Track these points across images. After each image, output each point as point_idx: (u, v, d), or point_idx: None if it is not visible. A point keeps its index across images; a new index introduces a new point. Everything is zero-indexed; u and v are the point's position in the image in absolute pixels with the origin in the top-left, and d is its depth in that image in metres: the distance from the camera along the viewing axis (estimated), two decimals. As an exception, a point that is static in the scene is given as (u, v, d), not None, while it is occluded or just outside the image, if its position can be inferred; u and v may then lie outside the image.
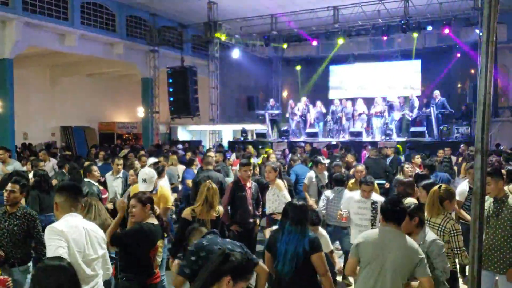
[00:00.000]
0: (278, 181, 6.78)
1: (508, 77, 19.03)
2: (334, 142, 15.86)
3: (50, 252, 3.01)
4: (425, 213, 4.36)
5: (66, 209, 3.26)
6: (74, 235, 3.15)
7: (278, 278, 3.86)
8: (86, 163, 7.65)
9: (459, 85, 19.65)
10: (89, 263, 3.27)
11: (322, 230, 5.28)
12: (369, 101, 17.77)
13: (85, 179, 6.58)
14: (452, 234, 4.16)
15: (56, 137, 21.11)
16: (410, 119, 16.57)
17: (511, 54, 16.66)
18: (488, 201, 4.54)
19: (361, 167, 7.39)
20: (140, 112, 20.33)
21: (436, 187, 4.45)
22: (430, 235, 3.88)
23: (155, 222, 4.13)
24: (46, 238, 3.12)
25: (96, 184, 6.65)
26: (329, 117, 18.25)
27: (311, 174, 8.24)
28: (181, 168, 9.87)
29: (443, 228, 4.22)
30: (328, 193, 6.80)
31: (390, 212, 3.62)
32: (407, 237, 3.61)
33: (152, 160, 8.36)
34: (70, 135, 21.35)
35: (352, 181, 7.47)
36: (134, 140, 23.50)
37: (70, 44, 15.86)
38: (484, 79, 1.98)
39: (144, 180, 5.47)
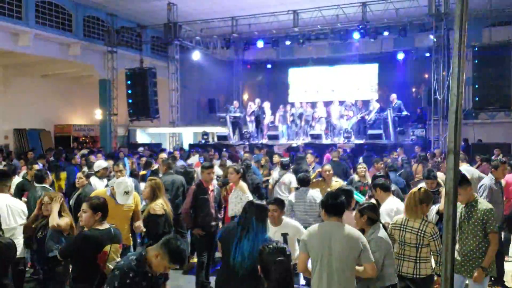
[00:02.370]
0: (241, 183, 6.68)
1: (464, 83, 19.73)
2: (294, 145, 15.94)
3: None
4: (404, 215, 4.42)
5: None
6: None
7: (231, 272, 3.92)
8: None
9: (414, 89, 20.24)
10: (10, 230, 4.88)
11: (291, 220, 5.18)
12: (327, 104, 17.99)
13: (40, 185, 6.32)
14: (434, 238, 4.19)
15: (9, 140, 20.19)
16: (369, 122, 16.85)
17: (466, 60, 17.29)
18: (460, 206, 4.58)
19: (328, 166, 7.39)
20: (98, 114, 19.78)
21: (416, 189, 4.52)
22: (380, 233, 3.99)
23: (104, 227, 4.02)
24: None
25: (50, 188, 6.55)
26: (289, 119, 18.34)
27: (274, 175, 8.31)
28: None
29: (422, 232, 4.22)
30: (291, 197, 6.66)
31: (331, 206, 3.82)
32: (348, 226, 3.81)
33: (101, 163, 7.87)
34: (24, 138, 20.47)
35: (319, 178, 7.47)
36: (91, 143, 22.80)
37: (24, 44, 15.24)
38: (456, 79, 1.97)
39: (127, 193, 5.25)
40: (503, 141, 15.17)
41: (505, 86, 13.39)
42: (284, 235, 4.76)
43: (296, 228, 4.92)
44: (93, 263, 3.87)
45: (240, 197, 6.51)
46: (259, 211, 4.01)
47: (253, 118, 18.46)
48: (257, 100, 18.83)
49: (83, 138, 23.22)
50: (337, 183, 7.04)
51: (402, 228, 4.34)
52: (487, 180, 6.30)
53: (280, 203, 4.88)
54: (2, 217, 4.74)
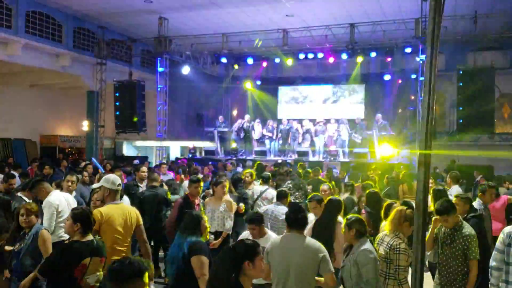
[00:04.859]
0: (229, 198, 6.65)
1: (445, 104, 20.07)
2: (280, 161, 15.98)
3: None
4: (386, 228, 4.49)
5: None
6: None
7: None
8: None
9: (400, 110, 20.48)
10: None
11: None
12: (312, 121, 18.11)
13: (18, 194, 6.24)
14: (395, 252, 4.19)
15: (-7, 149, 19.92)
16: (359, 141, 16.89)
17: (448, 82, 17.59)
18: (443, 228, 4.59)
19: (325, 186, 7.28)
20: (85, 125, 19.64)
21: (404, 207, 4.58)
22: (366, 246, 4.03)
23: (86, 239, 3.94)
24: None
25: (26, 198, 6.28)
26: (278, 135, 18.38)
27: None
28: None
29: (389, 245, 4.27)
30: (270, 207, 6.61)
31: (293, 219, 4.07)
32: (308, 238, 4.06)
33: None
34: (9, 147, 20.22)
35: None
36: (77, 154, 22.59)
37: (13, 53, 15.15)
38: (428, 93, 2.02)
39: None
40: (485, 163, 15.38)
41: (488, 110, 13.63)
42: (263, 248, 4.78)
43: None
44: (70, 276, 3.78)
45: (226, 214, 6.48)
46: (186, 220, 4.25)
47: (242, 134, 18.47)
48: (247, 116, 18.90)
49: (69, 149, 22.98)
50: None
51: (379, 243, 4.42)
52: (477, 205, 6.13)
53: (255, 221, 4.86)
54: None
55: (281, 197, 6.63)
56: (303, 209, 4.30)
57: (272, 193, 8.21)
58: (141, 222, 4.99)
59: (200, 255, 4.00)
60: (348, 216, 4.42)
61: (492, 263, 4.34)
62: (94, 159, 11.52)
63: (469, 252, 4.35)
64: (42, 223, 5.15)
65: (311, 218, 5.70)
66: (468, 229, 4.48)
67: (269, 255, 3.98)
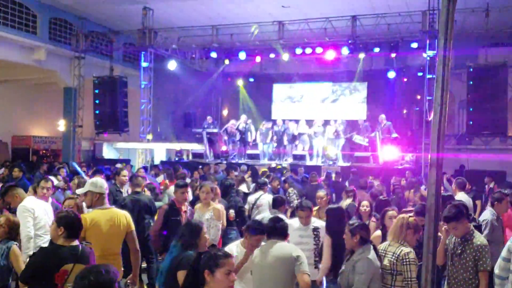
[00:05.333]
0: (218, 206, 6.55)
1: (454, 105, 20.18)
2: (273, 165, 15.96)
3: None
4: (388, 238, 4.51)
5: None
6: None
7: None
8: None
9: (405, 110, 20.56)
10: None
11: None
12: (310, 122, 18.12)
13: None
14: (404, 263, 4.21)
15: (-40, 151, 19.78)
16: (366, 143, 16.83)
17: (457, 81, 17.69)
18: (454, 237, 4.60)
19: (322, 193, 7.17)
20: (61, 125, 19.54)
21: (405, 214, 4.67)
22: (369, 255, 4.15)
23: (71, 244, 3.93)
24: None
25: None
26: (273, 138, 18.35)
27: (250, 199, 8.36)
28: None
29: (396, 256, 4.27)
30: (263, 214, 6.73)
31: (272, 228, 4.39)
32: (284, 243, 4.37)
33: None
34: (-24, 149, 20.08)
35: (315, 208, 6.95)
36: (52, 157, 22.46)
37: (-19, 46, 15.08)
38: (440, 89, 2.02)
39: None
40: (497, 169, 15.46)
41: (500, 110, 13.71)
42: None
43: None
44: (50, 283, 3.77)
45: (212, 222, 6.41)
46: (183, 231, 4.24)
47: (236, 136, 18.39)
48: (243, 116, 18.82)
49: (44, 151, 22.85)
50: None
51: (382, 253, 4.40)
52: (489, 214, 6.07)
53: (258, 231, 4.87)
54: None
55: (277, 204, 6.61)
56: (282, 218, 4.62)
57: (267, 198, 8.20)
58: (133, 228, 5.05)
59: (186, 270, 3.97)
60: (351, 222, 4.53)
61: (496, 270, 4.39)
62: (74, 164, 11.44)
63: (479, 263, 4.35)
64: None
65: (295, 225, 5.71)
66: (480, 238, 4.48)
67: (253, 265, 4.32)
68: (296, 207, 6.05)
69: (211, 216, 6.43)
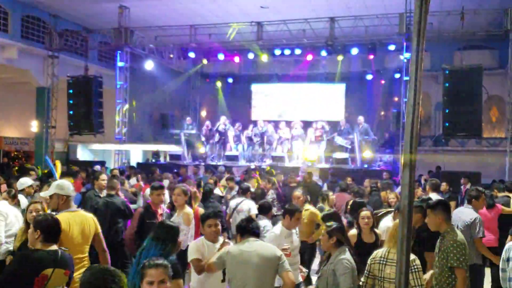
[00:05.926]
0: (187, 210, 6.33)
1: (430, 107, 20.49)
2: (253, 167, 15.99)
3: None
4: (386, 246, 4.40)
5: None
6: None
7: None
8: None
9: (382, 113, 20.80)
10: None
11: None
12: (289, 124, 18.18)
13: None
14: (412, 271, 4.09)
15: None
16: (348, 146, 16.88)
17: (434, 83, 17.99)
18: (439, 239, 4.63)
19: (298, 193, 7.22)
20: (34, 126, 19.21)
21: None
22: (345, 255, 4.24)
23: (50, 248, 3.89)
24: None
25: None
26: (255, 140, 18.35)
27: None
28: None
29: None
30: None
31: (246, 228, 4.40)
32: (263, 242, 4.45)
33: (27, 181, 7.52)
34: None
35: None
36: (24, 158, 22.07)
37: (-51, 43, 14.74)
38: (413, 89, 2.03)
39: None
40: (473, 170, 15.74)
41: (475, 112, 13.95)
42: None
43: None
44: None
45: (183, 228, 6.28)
46: (159, 230, 4.22)
47: (215, 137, 18.33)
48: (223, 118, 18.79)
49: (16, 153, 22.46)
50: (307, 211, 6.98)
51: (382, 262, 4.27)
52: (474, 212, 6.14)
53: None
54: None
55: (265, 210, 6.57)
56: (253, 219, 4.77)
57: (248, 204, 8.15)
58: (100, 230, 5.04)
59: (178, 279, 3.97)
60: (329, 224, 4.57)
61: (500, 263, 4.52)
62: (48, 159, 11.20)
63: (448, 258, 4.30)
64: None
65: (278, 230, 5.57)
66: (452, 235, 4.43)
67: (226, 261, 4.28)
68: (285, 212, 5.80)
69: (179, 220, 6.31)
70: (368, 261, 4.39)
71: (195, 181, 11.07)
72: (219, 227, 4.87)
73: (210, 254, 4.58)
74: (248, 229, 4.40)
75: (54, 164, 9.55)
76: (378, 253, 4.38)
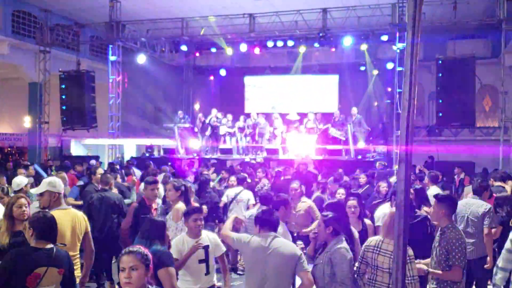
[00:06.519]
0: (179, 206, 6.09)
1: (423, 97, 20.50)
2: (247, 159, 15.96)
3: None
4: (381, 236, 4.42)
5: None
6: None
7: None
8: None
9: (376, 103, 20.79)
10: None
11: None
12: (284, 116, 18.14)
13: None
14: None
15: None
16: (343, 138, 16.87)
17: (427, 73, 17.97)
18: (438, 233, 4.62)
19: (295, 184, 7.14)
20: (27, 122, 19.10)
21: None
22: (342, 244, 4.21)
23: (44, 246, 3.85)
24: None
25: None
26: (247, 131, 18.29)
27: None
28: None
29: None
30: (251, 211, 6.74)
31: (266, 221, 4.26)
32: (282, 239, 4.28)
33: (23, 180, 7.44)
34: None
35: None
36: (17, 154, 21.96)
37: None
38: (408, 83, 2.01)
39: None
40: (466, 159, 15.81)
41: (469, 102, 13.98)
42: (205, 248, 4.83)
43: (215, 241, 5.02)
44: (22, 286, 3.70)
45: (168, 223, 6.18)
46: (145, 227, 4.23)
47: (207, 131, 18.26)
48: (214, 111, 18.71)
49: (9, 149, 22.37)
50: (304, 203, 6.96)
51: (375, 251, 4.30)
52: (486, 203, 6.03)
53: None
54: None
55: (266, 200, 6.53)
56: (274, 211, 4.47)
57: (247, 194, 8.17)
58: (89, 229, 5.01)
59: (168, 267, 4.02)
60: (325, 213, 4.52)
61: (499, 263, 4.47)
62: (36, 166, 11.14)
63: (450, 256, 4.34)
64: None
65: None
66: (454, 232, 4.43)
67: (243, 247, 4.23)
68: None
69: (169, 217, 6.23)
70: (362, 247, 4.46)
71: (195, 173, 11.09)
72: (202, 222, 4.89)
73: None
74: (268, 222, 4.28)
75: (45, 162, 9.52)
76: (372, 241, 4.41)
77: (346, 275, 4.09)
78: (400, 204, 2.01)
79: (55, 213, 4.59)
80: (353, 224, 5.58)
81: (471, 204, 6.09)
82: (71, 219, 4.76)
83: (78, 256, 4.88)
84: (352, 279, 4.22)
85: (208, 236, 4.92)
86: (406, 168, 2.00)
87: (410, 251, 4.21)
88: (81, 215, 4.94)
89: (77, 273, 4.77)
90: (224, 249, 5.15)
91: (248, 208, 7.98)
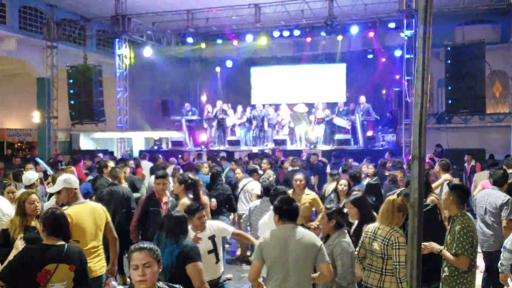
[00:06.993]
0: (183, 200, 6.08)
1: (433, 84, 20.29)
2: (255, 151, 15.95)
3: None
4: (377, 222, 4.48)
5: None
6: None
7: None
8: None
9: (384, 91, 20.61)
10: None
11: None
12: (292, 106, 18.08)
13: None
14: (394, 247, 4.21)
15: None
16: (348, 127, 16.80)
17: (435, 60, 17.75)
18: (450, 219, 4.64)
19: (300, 175, 6.99)
20: (36, 117, 19.20)
21: (395, 196, 4.72)
22: (345, 238, 4.31)
23: (56, 243, 3.88)
24: None
25: None
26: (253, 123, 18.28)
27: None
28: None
29: (386, 241, 4.26)
30: (255, 202, 6.79)
31: (286, 211, 4.13)
32: (303, 229, 4.18)
33: (33, 175, 7.40)
34: None
35: (290, 191, 6.72)
36: (28, 149, 22.12)
37: None
38: (421, 79, 1.96)
39: None
40: (477, 146, 15.65)
41: (478, 88, 13.81)
42: (212, 238, 4.85)
43: (219, 227, 5.07)
44: (32, 282, 3.73)
45: None
46: (169, 225, 4.18)
47: (214, 123, 18.30)
48: (219, 103, 18.71)
49: (19, 144, 22.54)
50: (308, 196, 6.85)
51: (371, 236, 4.40)
52: (505, 194, 5.88)
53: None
54: None
55: (267, 191, 6.50)
56: (294, 200, 4.35)
57: (253, 185, 8.19)
58: (110, 218, 5.12)
59: (196, 262, 4.03)
60: (329, 206, 4.61)
61: (507, 245, 4.47)
62: (39, 160, 11.17)
63: (454, 245, 4.33)
64: None
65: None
66: (464, 220, 4.42)
67: (263, 250, 4.06)
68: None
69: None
70: (363, 234, 4.58)
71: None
72: (205, 217, 4.92)
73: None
74: (287, 212, 4.14)
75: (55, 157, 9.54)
76: (370, 228, 4.52)
77: (347, 269, 4.19)
78: (414, 202, 1.97)
79: (75, 208, 4.75)
80: (352, 216, 5.53)
81: (489, 195, 6.02)
82: (91, 212, 4.86)
83: (102, 246, 4.97)
84: (352, 272, 4.30)
85: (211, 226, 4.94)
86: (420, 165, 1.96)
87: (402, 238, 4.26)
88: (99, 207, 5.05)
89: (102, 263, 4.92)
90: (231, 228, 5.28)
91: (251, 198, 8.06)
